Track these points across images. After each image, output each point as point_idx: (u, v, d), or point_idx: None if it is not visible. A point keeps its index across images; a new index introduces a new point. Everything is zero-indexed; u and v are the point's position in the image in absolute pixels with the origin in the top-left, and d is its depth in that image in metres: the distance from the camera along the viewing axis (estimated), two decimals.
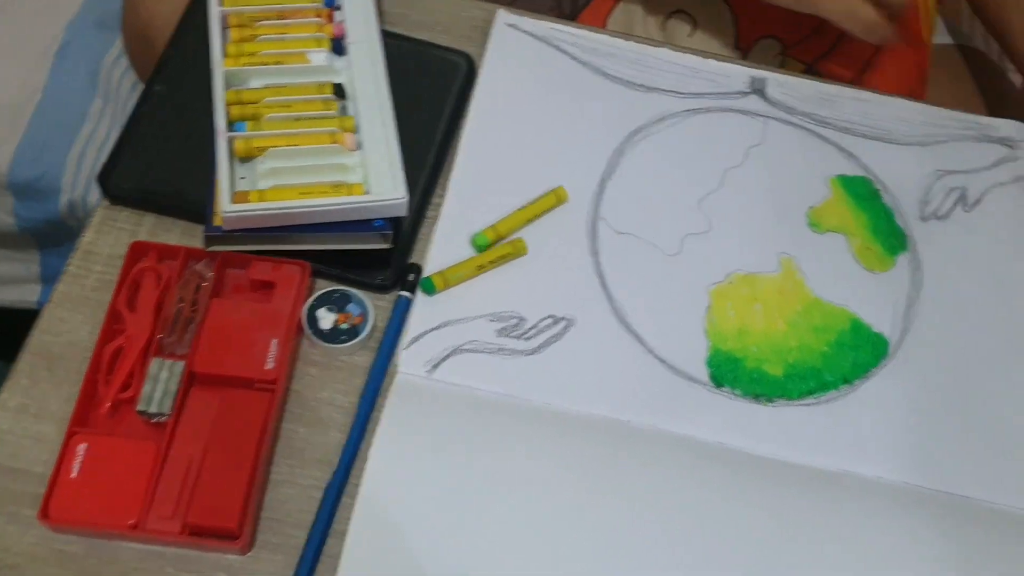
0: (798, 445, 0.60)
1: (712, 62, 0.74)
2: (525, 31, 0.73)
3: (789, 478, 0.59)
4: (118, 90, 1.02)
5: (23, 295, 1.08)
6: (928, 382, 0.63)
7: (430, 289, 0.62)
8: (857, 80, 0.83)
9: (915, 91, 0.84)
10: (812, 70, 0.82)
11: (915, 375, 0.64)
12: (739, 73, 0.73)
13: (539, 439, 0.59)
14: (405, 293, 0.63)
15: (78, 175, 0.99)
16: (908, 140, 0.73)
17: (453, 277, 0.63)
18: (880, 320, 0.65)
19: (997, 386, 0.64)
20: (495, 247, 0.64)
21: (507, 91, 0.71)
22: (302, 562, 0.55)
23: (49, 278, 1.06)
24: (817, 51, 0.83)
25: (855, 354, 0.64)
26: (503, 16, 0.74)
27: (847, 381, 0.63)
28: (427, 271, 0.64)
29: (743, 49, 0.82)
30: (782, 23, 0.81)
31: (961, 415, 0.63)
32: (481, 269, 0.63)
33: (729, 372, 0.62)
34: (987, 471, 0.61)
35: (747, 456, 0.60)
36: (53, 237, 1.03)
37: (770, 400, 0.62)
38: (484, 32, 0.73)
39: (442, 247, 0.64)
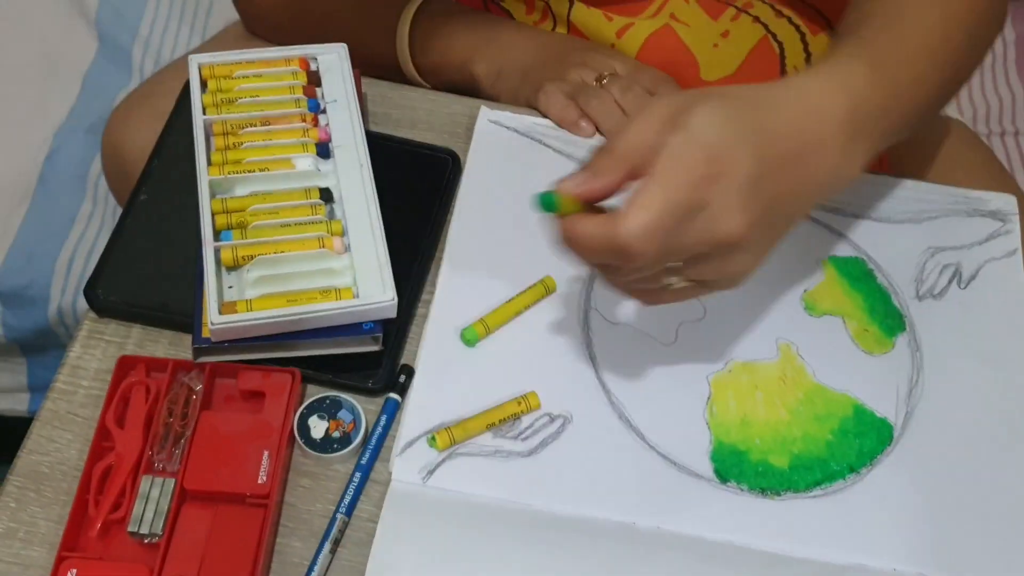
0: (809, 539, 0.59)
1: None
2: (508, 127, 0.74)
3: (801, 574, 0.58)
4: (107, 195, 1.02)
5: (12, 404, 1.07)
6: (935, 467, 0.62)
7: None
8: None
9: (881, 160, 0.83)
10: None
11: (921, 460, 0.62)
12: None
13: (541, 545, 0.57)
14: (393, 395, 0.61)
15: (67, 281, 0.98)
16: (899, 218, 0.72)
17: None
18: (883, 405, 0.64)
19: (1005, 467, 0.62)
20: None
21: (492, 185, 0.71)
22: None
23: (36, 387, 1.05)
24: None
25: (860, 441, 0.63)
26: (486, 113, 0.74)
27: (854, 470, 0.62)
28: (419, 371, 0.63)
29: None
30: None
31: (971, 499, 0.61)
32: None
33: (734, 466, 0.61)
34: (1000, 556, 0.59)
35: (758, 554, 0.58)
36: (40, 346, 1.02)
37: (777, 494, 0.61)
38: (466, 127, 0.74)
39: (433, 346, 0.64)
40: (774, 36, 0.82)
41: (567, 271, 0.67)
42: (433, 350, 0.64)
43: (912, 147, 0.87)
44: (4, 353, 1.03)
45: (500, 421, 0.61)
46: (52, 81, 1.08)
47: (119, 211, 0.67)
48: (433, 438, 0.60)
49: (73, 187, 1.02)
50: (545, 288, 0.67)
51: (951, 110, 1.00)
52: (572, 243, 0.53)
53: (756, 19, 0.82)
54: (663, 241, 0.50)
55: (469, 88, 0.79)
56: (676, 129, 0.51)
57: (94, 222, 1.01)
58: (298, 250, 0.61)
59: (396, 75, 0.79)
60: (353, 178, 0.65)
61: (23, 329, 0.99)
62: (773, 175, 0.52)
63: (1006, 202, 0.73)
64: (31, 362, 1.05)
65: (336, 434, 0.59)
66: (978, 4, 0.65)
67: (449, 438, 0.59)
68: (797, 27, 0.82)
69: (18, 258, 0.97)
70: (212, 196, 0.63)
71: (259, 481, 0.56)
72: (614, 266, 0.53)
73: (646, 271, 0.53)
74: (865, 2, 0.64)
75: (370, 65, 0.75)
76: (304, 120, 0.67)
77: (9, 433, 0.60)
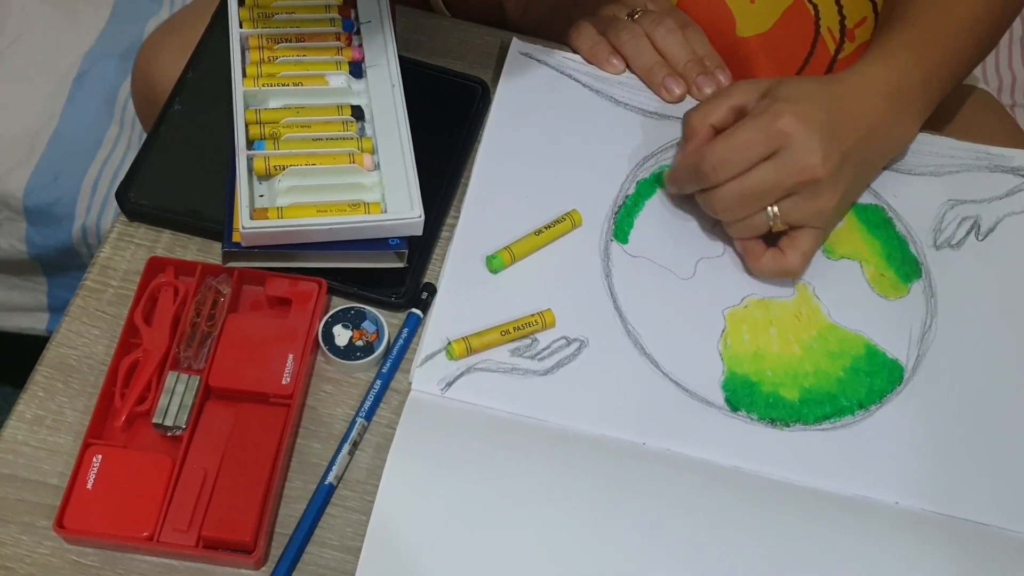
0: (814, 470, 0.60)
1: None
2: (538, 60, 0.74)
3: (805, 503, 0.59)
4: (134, 118, 1.03)
5: (32, 323, 1.09)
6: (943, 409, 0.63)
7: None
8: None
9: None
10: None
11: (930, 402, 0.63)
12: None
13: (553, 460, 0.59)
14: (416, 311, 0.63)
15: (92, 200, 0.99)
16: (921, 170, 0.73)
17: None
18: (895, 346, 0.65)
19: (1012, 413, 0.64)
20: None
21: (521, 117, 0.72)
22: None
23: (56, 307, 1.07)
24: None
25: (870, 380, 0.64)
26: (517, 45, 0.75)
27: (863, 407, 0.63)
28: (441, 290, 0.64)
29: None
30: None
31: (977, 442, 0.62)
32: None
33: (745, 396, 0.62)
34: (1004, 498, 0.61)
35: (763, 480, 0.59)
36: (61, 265, 1.03)
37: (786, 425, 0.62)
38: (497, 58, 0.74)
39: (456, 267, 0.65)
40: None
41: (591, 204, 0.68)
42: (456, 271, 0.65)
43: (938, 114, 0.88)
44: (26, 272, 1.04)
45: (515, 330, 0.62)
46: (82, 4, 1.09)
47: (146, 137, 0.68)
48: (450, 345, 0.61)
49: (101, 109, 1.03)
50: (572, 222, 0.67)
51: (977, 80, 1.00)
52: (673, 172, 0.67)
53: None
54: (737, 164, 0.62)
55: (496, 21, 0.79)
56: (763, 95, 0.65)
57: (120, 144, 1.02)
58: (329, 163, 0.62)
59: (423, 7, 0.80)
60: (385, 98, 0.66)
61: (46, 247, 1.00)
62: (842, 127, 0.64)
63: None
64: (51, 282, 1.06)
65: (359, 343, 0.60)
66: None
67: (465, 346, 0.61)
68: None
69: (45, 175, 0.99)
70: (246, 107, 0.64)
71: (283, 382, 0.57)
72: (712, 192, 0.64)
73: (739, 206, 0.63)
74: None
75: None
76: (338, 39, 0.68)
77: (25, 354, 0.62)
